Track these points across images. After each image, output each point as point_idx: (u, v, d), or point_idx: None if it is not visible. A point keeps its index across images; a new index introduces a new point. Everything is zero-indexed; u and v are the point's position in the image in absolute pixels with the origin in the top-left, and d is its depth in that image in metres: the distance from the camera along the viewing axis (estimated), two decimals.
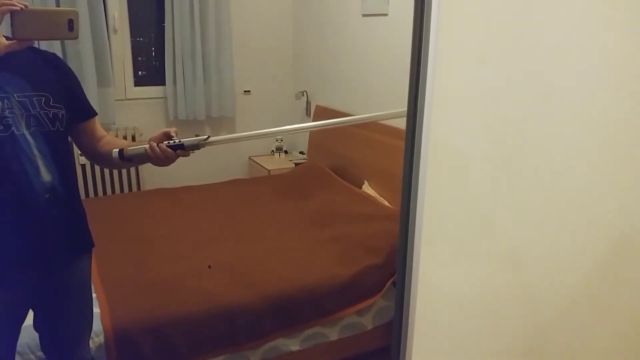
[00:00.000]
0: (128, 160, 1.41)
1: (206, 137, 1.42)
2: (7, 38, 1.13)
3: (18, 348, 1.60)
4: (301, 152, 4.04)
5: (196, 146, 1.41)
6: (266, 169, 3.72)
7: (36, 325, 1.46)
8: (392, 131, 2.86)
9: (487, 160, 1.01)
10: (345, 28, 3.34)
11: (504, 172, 1.03)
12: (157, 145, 1.37)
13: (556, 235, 1.14)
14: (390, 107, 2.97)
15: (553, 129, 1.04)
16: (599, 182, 1.14)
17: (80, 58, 3.21)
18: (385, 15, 2.92)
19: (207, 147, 4.19)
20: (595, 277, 1.23)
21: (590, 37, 1.02)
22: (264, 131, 1.50)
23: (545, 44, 0.98)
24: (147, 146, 1.38)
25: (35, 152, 1.23)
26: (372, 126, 3.05)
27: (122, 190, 3.61)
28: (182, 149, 1.39)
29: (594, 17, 1.01)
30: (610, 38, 1.04)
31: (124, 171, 3.59)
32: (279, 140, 4.01)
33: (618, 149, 1.14)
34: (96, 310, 1.82)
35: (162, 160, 1.39)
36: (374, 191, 2.93)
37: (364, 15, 3.12)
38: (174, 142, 1.39)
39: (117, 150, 1.40)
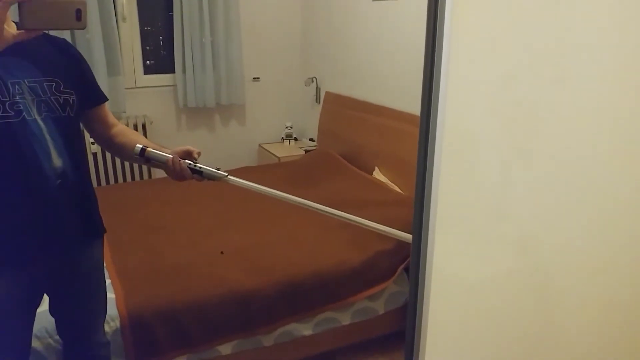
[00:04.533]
0: (146, 160, 1.46)
1: (225, 174, 1.49)
2: (16, 25, 1.13)
3: (36, 332, 1.63)
4: (311, 139, 4.03)
5: (212, 178, 1.47)
6: (276, 156, 3.72)
7: (52, 310, 1.48)
8: (402, 116, 2.84)
9: (499, 146, 1.00)
10: (355, 13, 3.31)
11: (517, 158, 1.02)
12: (180, 161, 1.43)
13: (569, 221, 1.13)
14: (400, 92, 2.96)
15: (566, 114, 1.03)
16: (612, 167, 1.13)
17: (90, 47, 3.22)
18: (396, 0, 2.89)
19: (217, 135, 4.20)
20: (610, 262, 1.22)
21: (606, 21, 1.00)
22: (278, 192, 1.59)
23: (559, 27, 0.96)
24: (170, 158, 1.44)
25: (47, 137, 1.24)
26: (382, 112, 3.04)
27: (133, 178, 3.64)
28: (199, 175, 1.46)
29: (611, 1, 0.99)
30: (628, 23, 1.02)
31: None
32: (289, 127, 4.00)
33: (633, 134, 1.12)
34: (111, 295, 1.84)
35: (177, 175, 1.45)
36: (384, 177, 2.92)
37: (374, 0, 3.09)
38: (195, 165, 1.45)
39: (140, 147, 1.44)
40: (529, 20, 0.93)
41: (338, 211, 1.59)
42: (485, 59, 0.92)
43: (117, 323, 1.79)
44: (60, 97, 1.26)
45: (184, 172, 1.44)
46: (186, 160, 1.45)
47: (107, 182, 3.53)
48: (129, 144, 1.46)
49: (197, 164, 1.45)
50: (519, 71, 0.95)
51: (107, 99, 1.49)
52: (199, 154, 1.48)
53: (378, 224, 1.58)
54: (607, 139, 1.10)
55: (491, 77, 0.94)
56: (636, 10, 1.02)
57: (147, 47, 3.67)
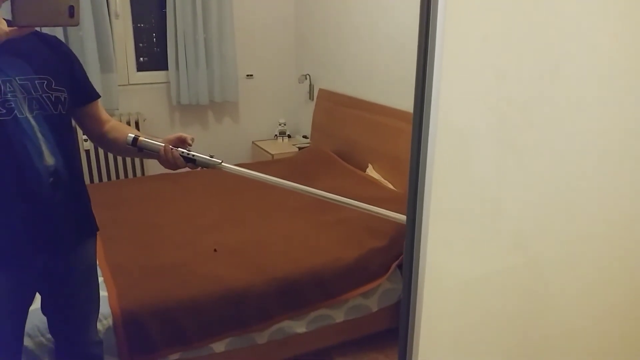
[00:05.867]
0: (139, 149, 1.43)
1: (219, 161, 1.47)
2: (8, 22, 1.12)
3: (28, 330, 1.62)
4: (304, 136, 4.03)
5: (206, 165, 1.45)
6: (270, 153, 3.72)
7: (44, 308, 1.47)
8: (395, 114, 2.84)
9: (493, 141, 1.00)
10: (348, 10, 3.31)
11: (511, 153, 1.03)
12: (172, 150, 1.41)
13: (563, 216, 1.14)
14: (393, 88, 2.96)
15: (559, 110, 1.04)
16: (606, 162, 1.14)
17: (83, 44, 3.20)
18: None
19: (210, 132, 4.18)
20: (603, 257, 1.23)
21: (598, 19, 1.00)
22: (272, 178, 1.56)
23: (553, 23, 0.96)
24: (162, 146, 1.42)
25: (39, 135, 1.23)
26: (376, 109, 3.04)
27: (126, 175, 3.62)
28: (192, 163, 1.44)
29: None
30: (619, 20, 1.02)
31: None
32: (282, 125, 4.00)
33: (626, 129, 1.13)
34: (104, 293, 1.84)
35: (170, 164, 1.43)
36: (378, 174, 2.93)
37: None
38: (188, 154, 1.43)
39: (132, 136, 1.42)
40: (521, 17, 0.93)
41: (333, 195, 1.59)
42: (477, 56, 0.92)
43: (110, 321, 1.78)
44: (51, 94, 1.26)
45: (177, 161, 1.42)
46: (179, 149, 1.43)
47: (100, 179, 3.52)
48: (122, 138, 1.45)
49: (191, 152, 1.44)
50: (512, 68, 0.96)
51: (100, 96, 1.49)
52: (192, 139, 1.46)
53: (373, 206, 1.59)
54: (601, 134, 1.10)
55: (484, 73, 0.94)
56: (627, 8, 1.03)
57: (140, 44, 3.65)
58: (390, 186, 2.76)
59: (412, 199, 1.01)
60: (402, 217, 1.07)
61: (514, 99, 0.98)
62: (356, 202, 1.57)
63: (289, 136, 4.04)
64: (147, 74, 3.66)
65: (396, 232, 2.25)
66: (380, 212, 1.59)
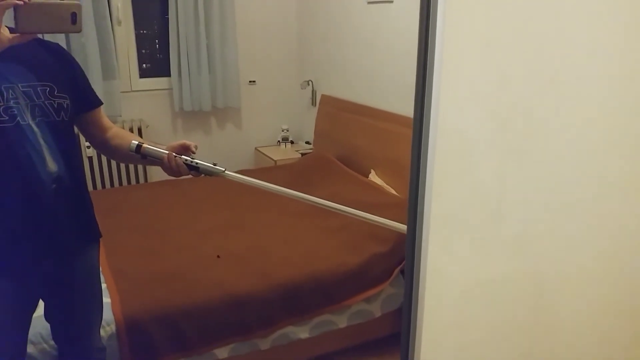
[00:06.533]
0: (142, 157, 1.44)
1: (223, 169, 1.47)
2: (10, 30, 1.13)
3: (31, 337, 1.62)
4: (307, 142, 4.03)
5: (209, 173, 1.45)
6: (272, 159, 3.72)
7: (47, 315, 1.47)
8: (398, 119, 2.84)
9: (494, 146, 1.00)
10: (350, 16, 3.32)
11: (512, 158, 1.02)
12: (175, 158, 1.41)
13: (564, 221, 1.13)
14: (396, 95, 2.96)
15: (560, 114, 1.03)
16: (608, 166, 1.14)
17: (85, 50, 3.22)
18: (391, 2, 2.90)
19: (213, 139, 4.19)
20: (604, 263, 1.22)
21: (598, 22, 1.00)
22: (274, 186, 1.54)
23: (553, 28, 0.96)
24: (165, 154, 1.42)
25: (41, 142, 1.24)
26: (378, 115, 3.04)
27: (129, 182, 3.63)
28: (196, 171, 1.44)
29: (603, 4, 0.99)
30: (619, 23, 1.03)
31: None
32: (285, 130, 4.01)
33: (627, 134, 1.13)
34: (107, 300, 1.84)
35: (174, 172, 1.44)
36: (380, 180, 2.92)
37: (369, 3, 3.10)
38: (192, 162, 1.43)
39: (136, 143, 1.43)
40: (520, 23, 0.93)
41: (334, 204, 1.59)
42: (478, 61, 0.92)
43: (113, 327, 1.78)
44: (54, 101, 1.26)
45: (181, 169, 1.43)
46: (182, 156, 1.43)
47: (103, 186, 3.52)
48: (125, 145, 1.45)
49: (194, 160, 1.44)
50: (512, 73, 0.96)
51: (102, 103, 1.49)
52: (196, 147, 1.46)
53: (373, 216, 1.59)
54: (602, 139, 1.10)
55: (485, 78, 0.94)
56: (628, 12, 1.03)
57: (143, 51, 3.66)
58: (393, 192, 2.76)
59: (412, 205, 1.01)
60: (403, 227, 1.06)
61: (514, 104, 0.98)
62: (357, 211, 1.57)
63: (292, 142, 4.05)
64: (149, 80, 3.68)
65: (399, 237, 2.25)
66: (380, 221, 1.59)
